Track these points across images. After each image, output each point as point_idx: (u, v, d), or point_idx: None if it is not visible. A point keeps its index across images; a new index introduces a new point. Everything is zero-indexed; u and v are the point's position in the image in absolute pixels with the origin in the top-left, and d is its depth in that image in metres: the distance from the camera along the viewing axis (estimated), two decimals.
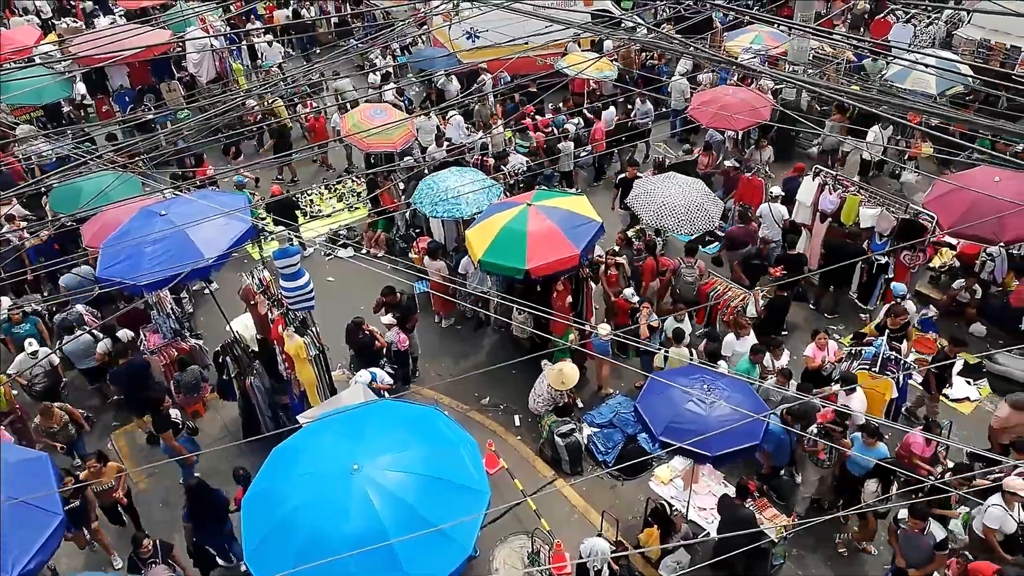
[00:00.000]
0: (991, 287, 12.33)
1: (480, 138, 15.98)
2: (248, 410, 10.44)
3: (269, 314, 10.20)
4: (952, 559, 7.71)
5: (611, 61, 18.16)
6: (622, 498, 10.01)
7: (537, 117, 16.91)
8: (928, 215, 11.59)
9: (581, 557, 8.06)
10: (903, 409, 10.43)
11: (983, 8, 15.72)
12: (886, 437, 9.18)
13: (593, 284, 11.94)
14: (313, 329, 10.18)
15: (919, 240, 11.57)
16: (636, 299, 11.40)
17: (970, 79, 14.85)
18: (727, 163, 15.15)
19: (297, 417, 9.20)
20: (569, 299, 11.30)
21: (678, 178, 12.81)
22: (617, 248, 12.51)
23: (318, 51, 21.93)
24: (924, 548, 7.75)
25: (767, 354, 10.04)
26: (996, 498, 7.81)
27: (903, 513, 7.91)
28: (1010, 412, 8.98)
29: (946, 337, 10.85)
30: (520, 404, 11.27)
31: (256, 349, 10.68)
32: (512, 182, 14.45)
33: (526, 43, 13.52)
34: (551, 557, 8.50)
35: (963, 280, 12.31)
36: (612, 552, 8.17)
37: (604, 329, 10.85)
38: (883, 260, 11.91)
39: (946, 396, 10.77)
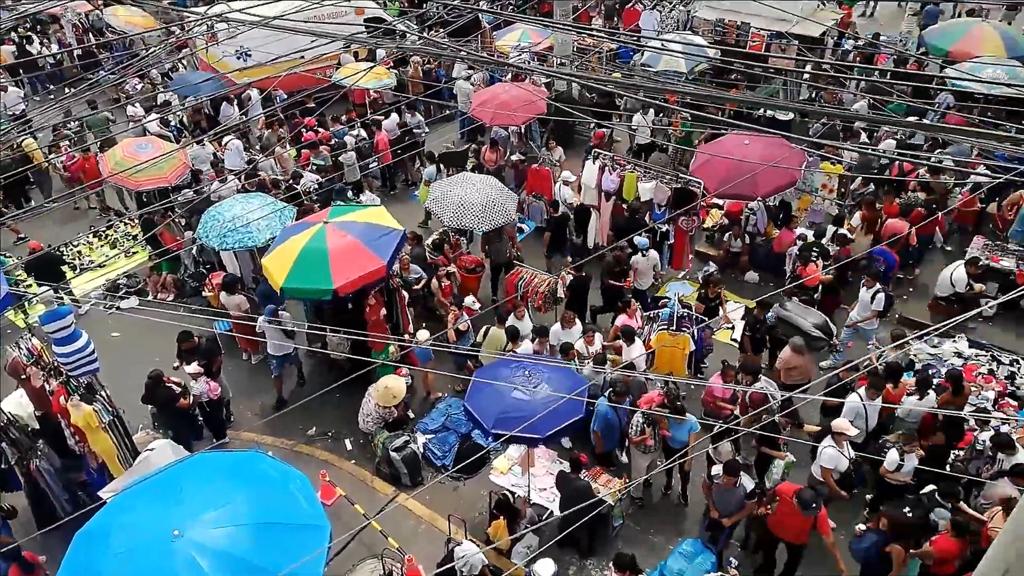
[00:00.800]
0: (756, 238, 13.84)
1: (262, 160, 15.26)
2: (38, 496, 9.22)
3: (46, 386, 9.08)
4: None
5: (387, 69, 18.12)
6: (466, 498, 10.05)
7: (319, 131, 16.51)
8: (696, 182, 12.76)
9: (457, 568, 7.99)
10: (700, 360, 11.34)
11: None
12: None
13: (405, 293, 11.87)
14: (103, 393, 9.20)
15: (691, 205, 12.70)
16: (478, 306, 11.42)
17: (711, 56, 16.53)
18: (514, 157, 15.69)
19: (99, 493, 8.28)
20: (383, 312, 11.14)
21: (473, 177, 13.10)
22: (409, 248, 12.38)
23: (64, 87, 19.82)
24: (735, 500, 8.41)
25: (581, 341, 10.44)
26: (828, 440, 8.63)
27: (716, 470, 8.49)
28: (791, 355, 10.02)
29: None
30: (349, 428, 10.95)
31: (37, 427, 9.47)
32: (305, 201, 13.96)
33: (301, 57, 13.07)
34: (404, 574, 8.37)
35: (732, 234, 13.74)
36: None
37: (424, 335, 10.83)
38: (664, 228, 12.93)
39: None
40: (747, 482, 8.63)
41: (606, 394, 9.57)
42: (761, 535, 8.65)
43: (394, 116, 16.95)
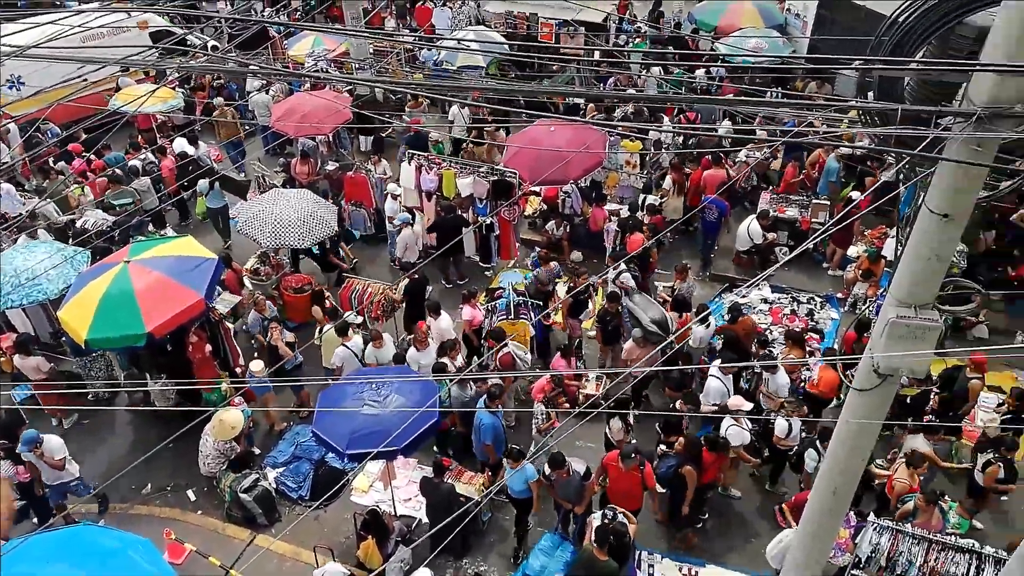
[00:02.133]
0: (575, 219, 14.42)
1: (41, 204, 13.66)
2: None
3: None
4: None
5: (173, 88, 16.88)
6: (330, 525, 9.67)
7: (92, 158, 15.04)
8: (511, 172, 13.06)
9: None
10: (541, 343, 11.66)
11: None
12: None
13: (229, 325, 11.17)
14: None
15: (512, 197, 13.00)
16: (263, 370, 10.66)
17: (507, 46, 16.95)
18: (328, 167, 15.22)
19: None
20: (208, 347, 10.40)
21: (286, 193, 12.55)
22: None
23: None
24: (575, 488, 8.67)
25: (446, 358, 10.25)
26: (729, 420, 9.15)
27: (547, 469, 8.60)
28: (632, 346, 10.49)
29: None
30: (189, 477, 10.14)
31: None
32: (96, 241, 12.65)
33: (84, 80, 11.73)
34: None
35: (555, 222, 14.21)
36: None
37: (257, 366, 10.25)
38: (488, 220, 13.13)
39: None
40: (579, 467, 8.78)
41: (482, 403, 9.34)
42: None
43: (183, 139, 15.74)
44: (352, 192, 14.21)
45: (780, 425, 9.30)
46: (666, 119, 15.56)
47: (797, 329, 11.70)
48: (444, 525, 7.28)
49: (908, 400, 9.91)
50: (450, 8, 19.79)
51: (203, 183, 13.84)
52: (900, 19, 3.18)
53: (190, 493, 10.16)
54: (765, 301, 13.03)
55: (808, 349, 11.50)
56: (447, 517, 7.60)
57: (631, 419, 9.55)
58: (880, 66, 3.24)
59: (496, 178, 13.00)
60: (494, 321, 10.79)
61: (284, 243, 11.66)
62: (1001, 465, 8.72)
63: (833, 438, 4.36)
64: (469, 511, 8.85)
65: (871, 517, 7.90)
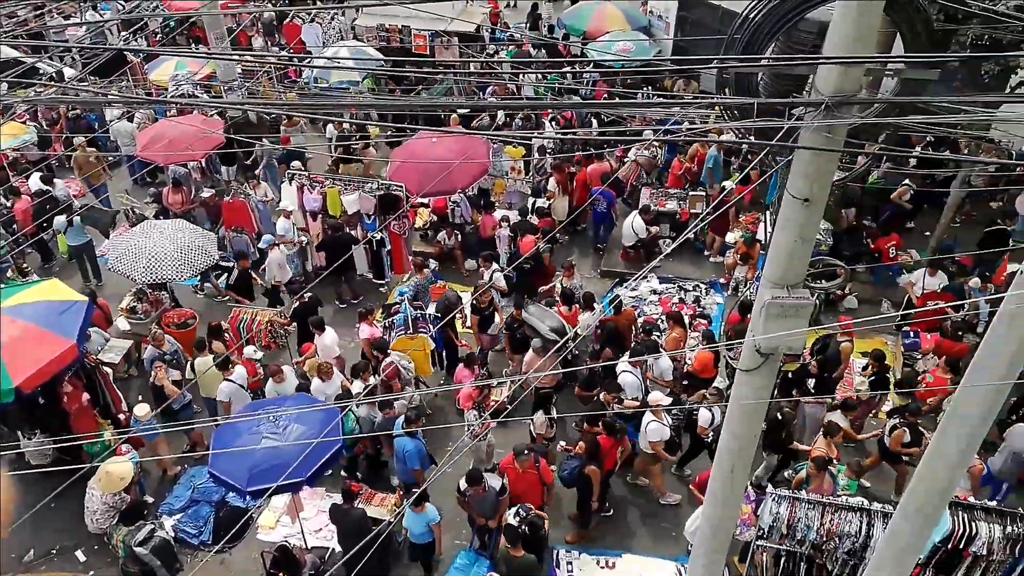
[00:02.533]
0: (466, 227, 14.45)
1: None
2: None
3: None
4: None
5: (24, 122, 15.71)
6: (237, 567, 9.25)
7: None
8: (397, 186, 12.92)
9: None
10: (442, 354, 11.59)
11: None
12: None
13: (108, 369, 10.47)
14: None
15: (400, 211, 12.87)
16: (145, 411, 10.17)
17: (382, 61, 16.78)
18: (203, 194, 14.57)
19: None
20: (85, 396, 9.71)
21: (159, 224, 11.93)
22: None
23: None
24: (490, 503, 8.67)
25: (358, 380, 10.02)
26: (649, 416, 9.24)
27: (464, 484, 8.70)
28: (532, 357, 10.50)
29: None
30: (77, 537, 9.43)
31: None
32: None
33: None
34: None
35: (446, 233, 14.20)
36: None
37: (142, 410, 9.66)
38: (378, 236, 12.95)
39: None
40: (495, 482, 8.81)
41: (399, 427, 9.19)
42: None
43: (35, 176, 14.54)
44: (231, 218, 13.65)
45: (703, 416, 9.51)
46: (547, 123, 15.86)
47: (684, 315, 12.21)
48: (357, 551, 7.12)
49: (790, 375, 10.49)
50: (319, 24, 19.40)
51: (60, 220, 12.84)
52: (750, 17, 3.38)
53: (79, 554, 9.46)
54: (654, 292, 13.53)
55: (695, 333, 12.03)
56: (360, 542, 7.45)
57: (554, 412, 9.79)
58: (734, 64, 3.43)
59: (382, 193, 12.83)
60: (392, 337, 10.63)
61: (161, 277, 11.06)
62: (906, 429, 9.32)
63: (726, 419, 4.57)
64: (382, 533, 8.73)
65: (768, 488, 8.31)
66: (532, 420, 9.73)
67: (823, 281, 4.33)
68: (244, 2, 18.55)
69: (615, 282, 13.93)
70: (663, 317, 12.50)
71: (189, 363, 10.40)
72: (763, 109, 3.39)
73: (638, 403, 9.72)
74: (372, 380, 10.05)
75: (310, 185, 13.15)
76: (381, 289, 13.60)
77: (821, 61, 3.09)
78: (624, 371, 9.98)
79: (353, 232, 13.07)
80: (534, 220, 13.55)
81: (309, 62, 16.56)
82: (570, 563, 9.32)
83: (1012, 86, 12.02)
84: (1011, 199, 13.69)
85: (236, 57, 15.18)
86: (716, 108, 3.49)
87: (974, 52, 8.57)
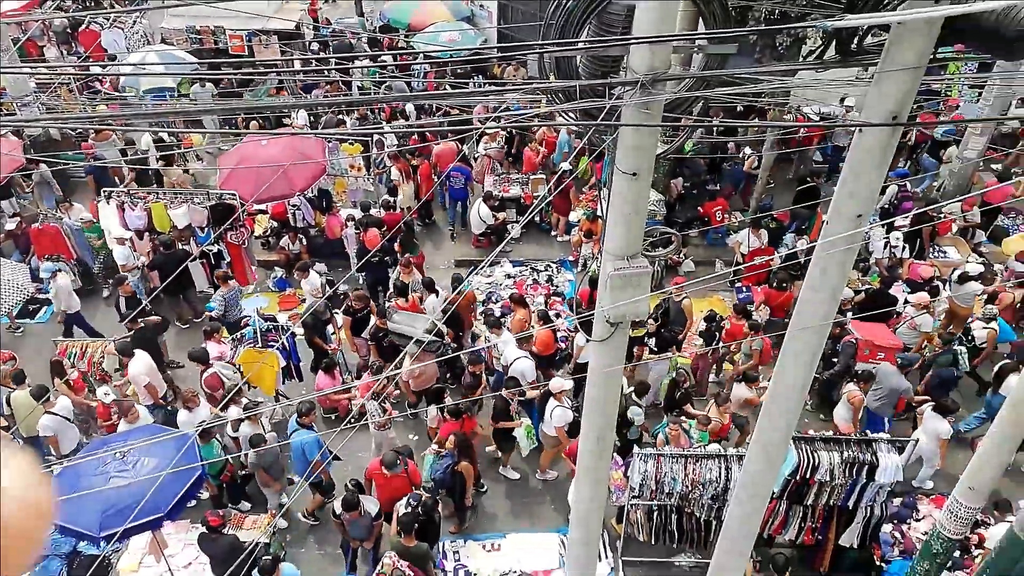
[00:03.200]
0: (310, 230, 14.00)
1: None
2: None
3: None
4: None
5: None
6: None
7: None
8: (230, 194, 12.26)
9: None
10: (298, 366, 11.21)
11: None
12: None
13: None
14: None
15: (233, 218, 12.23)
16: None
17: (197, 64, 15.84)
18: (5, 223, 13.15)
19: None
20: None
21: None
22: None
23: None
24: (364, 525, 8.52)
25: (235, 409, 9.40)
26: (553, 402, 9.23)
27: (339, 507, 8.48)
28: (410, 364, 10.38)
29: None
30: None
31: None
32: None
33: None
34: None
35: (286, 235, 13.69)
36: None
37: None
38: (215, 249, 12.27)
39: None
40: (371, 507, 8.67)
41: (293, 423, 9.18)
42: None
43: None
44: (44, 246, 12.40)
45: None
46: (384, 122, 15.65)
47: (539, 296, 12.55)
48: None
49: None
50: (120, 28, 17.94)
51: None
52: (563, 3, 3.52)
53: None
54: (508, 276, 13.79)
55: (555, 311, 12.42)
56: (233, 567, 7.12)
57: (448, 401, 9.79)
58: (553, 48, 3.56)
59: (213, 203, 12.14)
60: (239, 353, 10.12)
61: None
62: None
63: (587, 388, 4.77)
64: (254, 555, 8.37)
65: (635, 449, 8.77)
66: (426, 412, 9.81)
67: (660, 249, 4.60)
68: (29, 9, 16.76)
69: (470, 270, 14.06)
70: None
71: (5, 399, 9.46)
72: (586, 91, 3.55)
73: (538, 389, 9.78)
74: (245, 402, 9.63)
75: (131, 202, 12.20)
76: None
77: (632, 41, 3.28)
78: (518, 358, 10.06)
79: (186, 247, 12.28)
80: (380, 214, 13.35)
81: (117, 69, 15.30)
82: (456, 552, 9.39)
83: (804, 55, 13.30)
84: (808, 160, 15.25)
85: (28, 69, 13.76)
86: (545, 93, 3.60)
87: (767, 26, 9.36)
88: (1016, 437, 6.04)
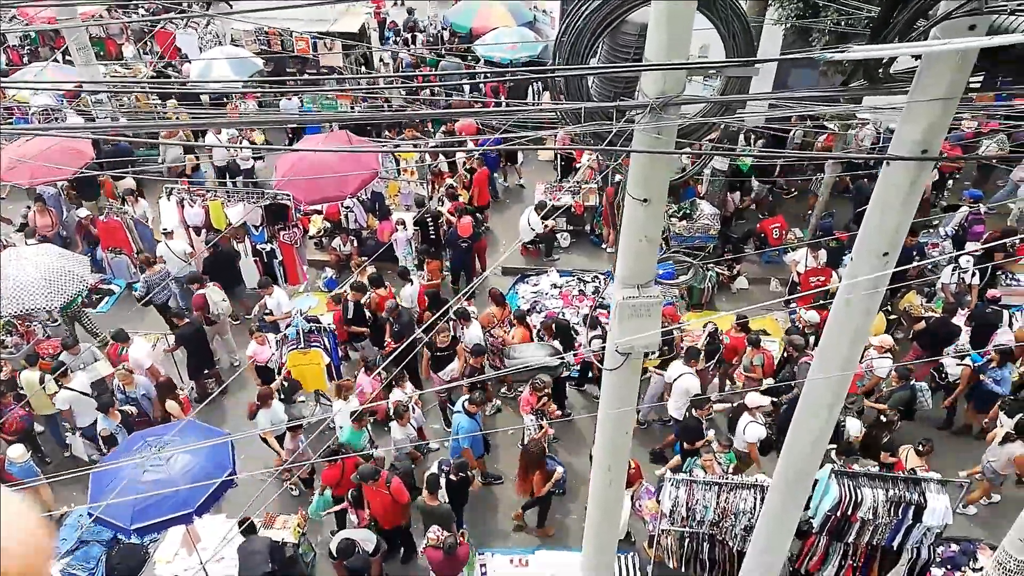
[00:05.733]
0: (362, 233, 14.15)
1: None
2: None
3: None
4: None
5: None
6: None
7: None
8: (285, 194, 12.50)
9: None
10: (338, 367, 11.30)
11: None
12: None
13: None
14: None
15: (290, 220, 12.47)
16: None
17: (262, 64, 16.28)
18: (79, 214, 13.75)
19: None
20: None
21: (22, 251, 11.16)
22: None
23: None
24: (359, 563, 8.27)
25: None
26: (747, 417, 9.15)
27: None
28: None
29: None
30: None
31: None
32: None
33: None
34: None
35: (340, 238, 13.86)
36: None
37: (16, 451, 9.04)
38: (268, 247, 12.52)
39: None
40: (368, 544, 8.52)
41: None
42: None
43: None
44: (108, 238, 12.92)
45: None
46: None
47: (584, 307, 12.38)
48: None
49: None
50: (194, 29, 18.58)
51: None
52: (575, 22, 3.38)
53: None
54: (554, 286, 13.62)
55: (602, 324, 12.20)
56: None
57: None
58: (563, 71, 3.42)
59: (268, 203, 12.39)
60: (284, 353, 10.28)
61: (28, 308, 10.34)
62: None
63: (599, 420, 4.61)
64: (292, 558, 8.48)
65: (667, 475, 8.50)
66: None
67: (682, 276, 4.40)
68: (111, 13, 17.48)
69: (516, 278, 13.98)
70: (563, 311, 12.67)
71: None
72: (598, 113, 3.40)
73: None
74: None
75: (190, 199, 12.57)
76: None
77: (636, 68, 3.12)
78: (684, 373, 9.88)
79: (241, 245, 12.56)
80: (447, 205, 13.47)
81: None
82: (483, 565, 9.27)
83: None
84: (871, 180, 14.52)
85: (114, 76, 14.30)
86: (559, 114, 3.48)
87: (835, 43, 8.94)
88: None
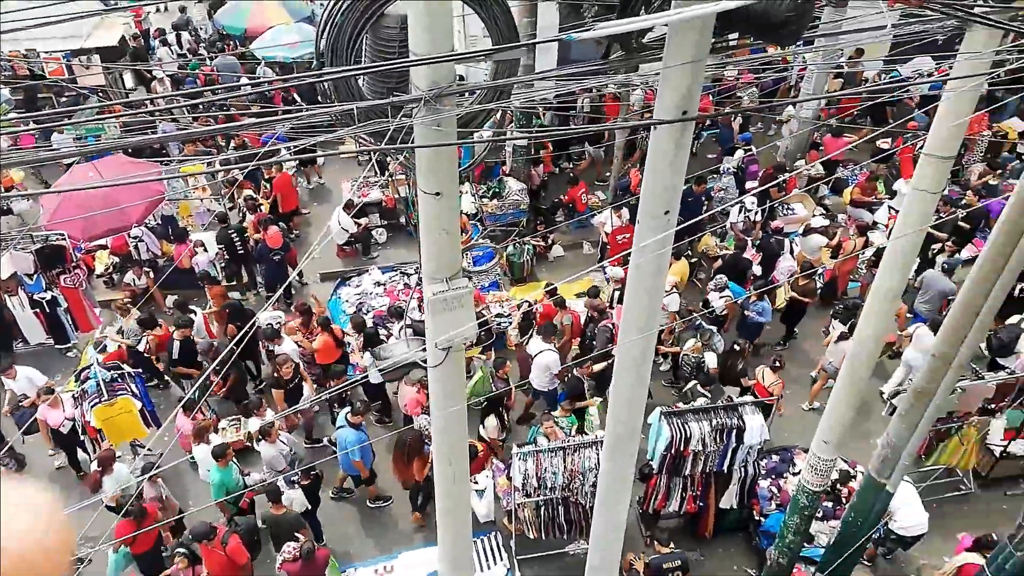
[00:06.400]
0: (158, 262, 13.03)
1: None
2: None
3: None
4: None
5: None
6: None
7: None
8: (58, 234, 11.19)
9: None
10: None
11: None
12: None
13: None
14: None
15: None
16: None
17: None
18: None
19: None
20: None
21: None
22: None
23: None
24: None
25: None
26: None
27: None
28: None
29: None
30: None
31: None
32: None
33: None
34: None
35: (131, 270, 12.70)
36: None
37: None
38: (48, 296, 11.23)
39: None
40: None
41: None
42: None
43: None
44: None
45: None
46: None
47: (413, 300, 12.26)
48: None
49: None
50: None
51: None
52: (332, 19, 3.25)
53: None
54: (378, 284, 13.37)
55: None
56: None
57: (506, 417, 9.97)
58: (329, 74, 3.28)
59: (38, 246, 11.06)
60: (86, 409, 9.25)
61: None
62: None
63: (432, 415, 4.56)
64: None
65: (514, 449, 8.67)
66: (483, 425, 9.58)
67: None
68: None
69: (336, 282, 13.55)
70: (391, 307, 12.46)
71: None
72: (374, 111, 3.31)
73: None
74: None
75: None
76: (69, 355, 11.83)
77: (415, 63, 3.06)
78: (542, 351, 10.11)
79: (14, 298, 11.14)
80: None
81: None
82: None
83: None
84: None
85: None
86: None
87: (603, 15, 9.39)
88: (856, 392, 6.33)
